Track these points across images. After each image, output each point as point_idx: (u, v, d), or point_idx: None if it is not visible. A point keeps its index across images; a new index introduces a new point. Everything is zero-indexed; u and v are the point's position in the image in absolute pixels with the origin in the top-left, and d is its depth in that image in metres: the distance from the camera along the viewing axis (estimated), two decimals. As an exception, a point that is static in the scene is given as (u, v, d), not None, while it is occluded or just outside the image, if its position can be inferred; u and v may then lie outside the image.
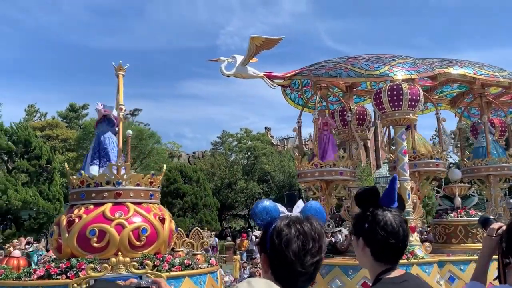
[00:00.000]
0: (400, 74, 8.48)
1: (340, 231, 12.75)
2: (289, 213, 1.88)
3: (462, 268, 8.27)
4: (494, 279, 2.38)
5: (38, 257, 17.51)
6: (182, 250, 7.41)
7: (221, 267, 20.67)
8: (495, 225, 2.42)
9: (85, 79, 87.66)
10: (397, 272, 2.07)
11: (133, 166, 43.10)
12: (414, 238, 8.24)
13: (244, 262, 19.38)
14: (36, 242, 23.40)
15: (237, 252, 25.83)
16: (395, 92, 8.39)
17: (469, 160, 10.49)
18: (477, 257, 6.91)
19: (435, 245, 9.59)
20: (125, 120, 7.41)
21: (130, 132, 7.73)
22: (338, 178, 8.64)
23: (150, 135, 43.30)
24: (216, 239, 29.95)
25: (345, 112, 9.81)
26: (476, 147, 10.49)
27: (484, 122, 10.17)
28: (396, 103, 8.41)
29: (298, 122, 9.15)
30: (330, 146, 8.91)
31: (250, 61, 8.97)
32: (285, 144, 60.22)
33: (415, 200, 8.48)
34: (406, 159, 8.63)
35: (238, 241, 28.89)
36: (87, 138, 39.24)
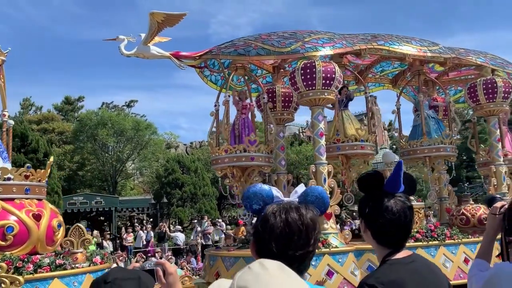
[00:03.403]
0: (312, 50, 7.51)
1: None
2: (284, 199, 1.72)
3: (383, 257, 7.32)
4: (497, 256, 2.37)
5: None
6: (81, 252, 6.51)
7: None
8: (498, 204, 2.34)
9: (79, 71, 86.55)
10: (404, 253, 1.98)
11: (131, 158, 42.73)
12: (330, 225, 7.33)
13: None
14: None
15: (237, 240, 24.90)
16: (308, 70, 7.46)
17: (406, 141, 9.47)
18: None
19: (368, 232, 8.67)
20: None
21: (11, 122, 6.86)
22: (252, 164, 7.73)
23: (147, 126, 42.50)
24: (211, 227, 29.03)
25: (274, 94, 8.89)
26: (414, 127, 9.48)
27: (420, 101, 9.14)
28: (309, 82, 7.48)
29: (215, 105, 8.21)
30: (247, 130, 7.99)
31: (161, 40, 8.08)
32: (283, 131, 59.09)
33: (332, 185, 7.56)
34: (323, 141, 7.71)
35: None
36: (84, 131, 38.73)
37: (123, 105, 49.81)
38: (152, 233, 23.80)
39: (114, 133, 39.71)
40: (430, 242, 7.63)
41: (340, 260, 6.99)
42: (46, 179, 6.80)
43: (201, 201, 37.06)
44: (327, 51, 7.66)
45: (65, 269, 5.89)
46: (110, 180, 40.54)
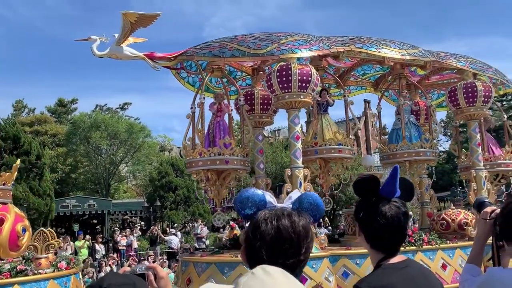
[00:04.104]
0: (288, 53, 7.32)
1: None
2: (278, 205, 1.67)
3: (358, 262, 7.15)
4: (488, 261, 2.40)
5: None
6: (47, 257, 6.27)
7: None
8: (488, 209, 2.34)
9: (73, 73, 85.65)
10: (398, 258, 1.97)
11: (124, 160, 42.36)
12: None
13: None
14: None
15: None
16: (284, 72, 7.27)
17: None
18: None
19: (346, 237, 8.49)
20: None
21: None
22: (227, 167, 7.53)
23: (141, 129, 42.14)
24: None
25: (252, 96, 8.71)
26: (392, 130, 9.30)
27: (400, 105, 8.97)
28: (285, 85, 7.29)
29: (192, 107, 8.00)
30: (222, 134, 7.79)
31: (137, 41, 7.89)
32: (277, 135, 58.97)
33: (308, 189, 7.35)
34: (299, 145, 7.51)
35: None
36: (77, 133, 38.40)
37: (117, 108, 49.45)
38: (132, 238, 23.51)
39: (107, 136, 39.35)
40: (407, 248, 7.42)
41: (314, 266, 6.77)
42: (13, 182, 6.58)
43: (194, 204, 36.67)
44: (303, 53, 7.47)
45: (26, 275, 5.68)
46: (103, 183, 40.17)
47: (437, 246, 7.72)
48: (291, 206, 1.69)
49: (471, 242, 8.27)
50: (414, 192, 2.21)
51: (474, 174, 8.77)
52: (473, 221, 8.66)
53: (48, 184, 32.00)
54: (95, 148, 39.26)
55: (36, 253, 6.07)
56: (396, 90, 10.38)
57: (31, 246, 6.11)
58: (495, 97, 9.17)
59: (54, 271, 6.01)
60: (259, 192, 1.70)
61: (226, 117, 8.24)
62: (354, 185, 2.05)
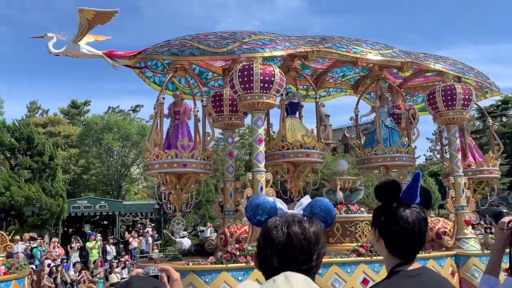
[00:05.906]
0: (249, 52, 6.86)
1: (202, 231, 11.16)
2: (288, 211, 1.63)
3: (320, 272, 6.60)
4: (504, 271, 2.32)
5: (41, 253, 16.90)
6: (3, 256, 5.98)
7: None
8: (506, 219, 2.30)
9: (85, 75, 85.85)
10: (413, 266, 1.90)
11: (135, 162, 42.23)
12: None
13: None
14: (39, 238, 22.27)
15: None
16: (245, 72, 6.81)
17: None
18: (339, 259, 5.82)
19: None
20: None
21: None
22: (186, 171, 7.08)
23: (152, 131, 41.86)
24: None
25: (221, 98, 8.27)
26: (370, 133, 8.74)
27: (376, 107, 8.42)
28: (247, 85, 6.82)
29: (155, 108, 7.58)
30: (180, 137, 7.36)
31: (98, 39, 7.54)
32: (287, 139, 58.28)
33: (270, 194, 6.85)
34: (261, 148, 7.02)
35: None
36: (89, 135, 38.39)
37: (129, 110, 49.33)
38: (142, 239, 23.13)
39: (119, 138, 39.24)
40: (374, 258, 6.86)
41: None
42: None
43: (204, 207, 36.21)
44: (266, 52, 7.00)
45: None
46: (115, 184, 40.08)
47: (408, 256, 7.12)
48: (302, 212, 1.64)
49: (446, 252, 7.71)
50: (432, 200, 2.09)
51: (453, 181, 8.14)
52: (451, 230, 8.06)
53: (61, 184, 31.99)
54: (107, 150, 39.16)
55: (-29, 257, 5.72)
56: (379, 93, 9.83)
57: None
58: (503, 104, 8.53)
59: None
60: (270, 199, 1.68)
61: (192, 120, 7.82)
62: (376, 190, 1.99)
